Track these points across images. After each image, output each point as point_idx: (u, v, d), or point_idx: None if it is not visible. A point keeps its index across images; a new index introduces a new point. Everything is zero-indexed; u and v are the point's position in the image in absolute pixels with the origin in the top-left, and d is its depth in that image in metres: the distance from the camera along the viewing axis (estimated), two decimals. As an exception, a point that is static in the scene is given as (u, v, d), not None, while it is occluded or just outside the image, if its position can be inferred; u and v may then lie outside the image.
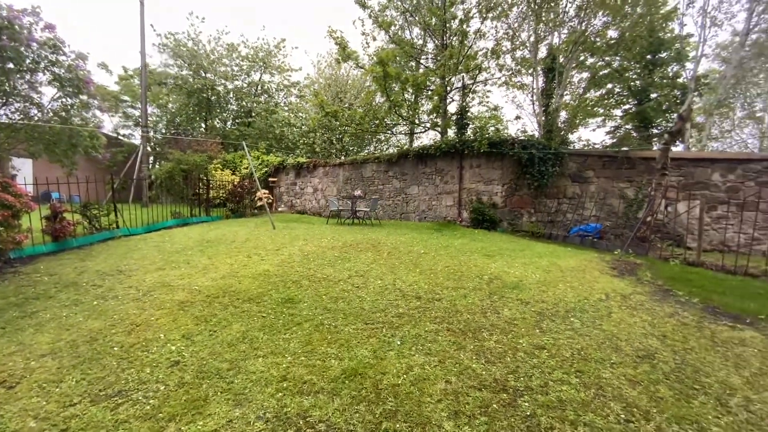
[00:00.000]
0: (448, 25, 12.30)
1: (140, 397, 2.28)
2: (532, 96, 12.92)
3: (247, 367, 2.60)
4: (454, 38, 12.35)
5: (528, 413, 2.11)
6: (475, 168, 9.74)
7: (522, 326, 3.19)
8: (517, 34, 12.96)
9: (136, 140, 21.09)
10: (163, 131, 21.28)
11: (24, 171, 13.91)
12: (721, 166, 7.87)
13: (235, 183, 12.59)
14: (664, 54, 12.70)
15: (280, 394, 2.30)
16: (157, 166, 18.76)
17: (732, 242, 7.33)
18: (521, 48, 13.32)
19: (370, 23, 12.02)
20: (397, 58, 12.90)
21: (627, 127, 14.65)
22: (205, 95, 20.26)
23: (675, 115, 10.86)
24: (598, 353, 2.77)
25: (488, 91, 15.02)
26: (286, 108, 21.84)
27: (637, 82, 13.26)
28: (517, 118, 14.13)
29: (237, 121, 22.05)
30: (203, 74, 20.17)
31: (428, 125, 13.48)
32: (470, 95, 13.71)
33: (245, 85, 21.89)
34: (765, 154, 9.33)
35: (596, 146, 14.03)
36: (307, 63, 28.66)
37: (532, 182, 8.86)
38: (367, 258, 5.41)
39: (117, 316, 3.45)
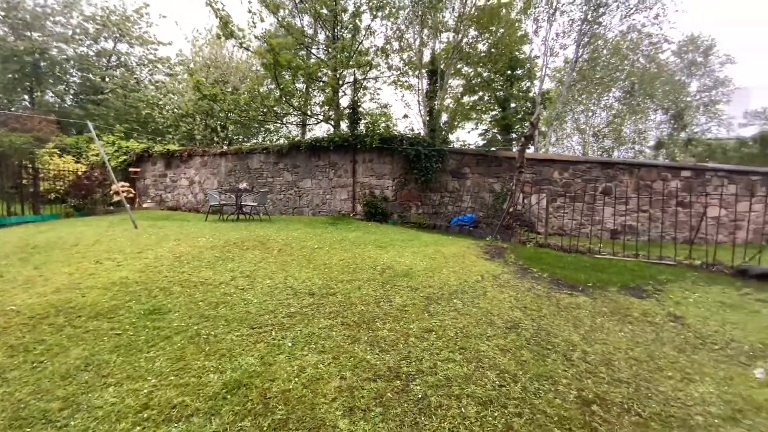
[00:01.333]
0: (339, 17, 12.19)
1: None
2: (418, 96, 13.85)
3: (91, 401, 2.05)
4: (346, 31, 12.33)
5: (420, 396, 2.18)
6: (367, 162, 9.93)
7: (413, 312, 3.33)
8: (404, 36, 13.68)
9: None
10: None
11: None
12: (559, 166, 9.76)
13: (80, 173, 10.15)
14: (520, 71, 15.12)
15: (139, 427, 1.87)
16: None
17: (567, 227, 9.20)
18: (408, 50, 14.12)
19: (257, 2, 11.03)
20: (288, 44, 12.21)
21: (494, 131, 17.02)
22: (29, 59, 15.73)
23: (528, 123, 13.09)
24: (477, 329, 3.07)
25: (378, 89, 15.54)
26: (152, 87, 18.57)
27: (501, 93, 15.49)
28: (405, 116, 15.01)
29: (81, 97, 17.80)
30: (29, 33, 15.61)
31: (321, 117, 13.20)
32: (362, 91, 13.94)
33: (92, 54, 17.80)
34: (587, 157, 11.98)
35: (471, 146, 15.93)
36: (180, 38, 24.77)
37: (419, 177, 9.49)
38: (254, 257, 4.96)
39: None
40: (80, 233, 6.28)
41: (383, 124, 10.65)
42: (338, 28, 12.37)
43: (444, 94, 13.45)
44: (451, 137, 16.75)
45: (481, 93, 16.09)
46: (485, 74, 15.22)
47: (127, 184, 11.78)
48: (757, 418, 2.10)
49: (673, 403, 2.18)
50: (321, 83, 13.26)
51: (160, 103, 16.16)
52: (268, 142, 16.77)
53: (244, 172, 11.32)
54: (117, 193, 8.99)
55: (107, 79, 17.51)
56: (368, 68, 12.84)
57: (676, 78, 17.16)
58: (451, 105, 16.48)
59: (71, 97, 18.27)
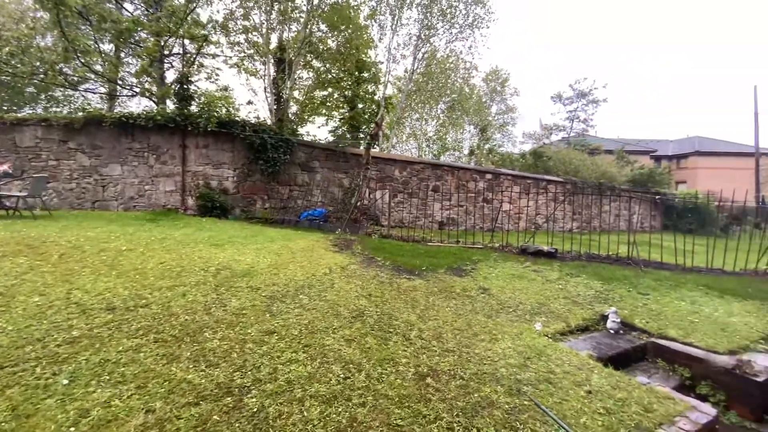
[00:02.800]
0: (162, -28, 10.09)
1: None
2: (264, 83, 12.89)
3: None
4: (173, -8, 10.30)
5: (255, 409, 1.88)
6: (202, 149, 8.57)
7: (252, 315, 2.94)
8: (250, 15, 12.48)
9: None
10: None
11: None
12: (399, 165, 10.78)
13: None
14: (366, 74, 15.99)
15: None
16: None
17: (406, 220, 10.24)
18: (254, 31, 12.95)
19: None
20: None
21: (344, 128, 17.50)
22: None
23: (373, 123, 13.99)
24: (323, 323, 2.94)
25: (218, 69, 13.70)
26: None
27: (349, 93, 16.04)
28: (250, 102, 13.66)
29: None
30: None
31: (137, 90, 10.68)
32: (197, 67, 12.00)
33: None
34: (421, 159, 13.67)
35: (322, 141, 15.92)
36: None
37: (266, 168, 8.80)
38: (15, 267, 3.51)
39: None
40: None
41: (223, 109, 9.39)
42: (162, -16, 10.23)
43: (293, 84, 12.94)
44: (302, 131, 16.36)
45: (331, 90, 16.25)
46: (335, 72, 15.44)
47: None
48: (539, 362, 2.69)
49: (486, 362, 2.57)
50: (138, 48, 10.73)
51: None
52: (52, 113, 12.48)
53: (7, 151, 8.06)
54: None
55: None
56: (204, 42, 11.12)
57: (483, 100, 21.55)
58: (301, 97, 16.07)
59: None
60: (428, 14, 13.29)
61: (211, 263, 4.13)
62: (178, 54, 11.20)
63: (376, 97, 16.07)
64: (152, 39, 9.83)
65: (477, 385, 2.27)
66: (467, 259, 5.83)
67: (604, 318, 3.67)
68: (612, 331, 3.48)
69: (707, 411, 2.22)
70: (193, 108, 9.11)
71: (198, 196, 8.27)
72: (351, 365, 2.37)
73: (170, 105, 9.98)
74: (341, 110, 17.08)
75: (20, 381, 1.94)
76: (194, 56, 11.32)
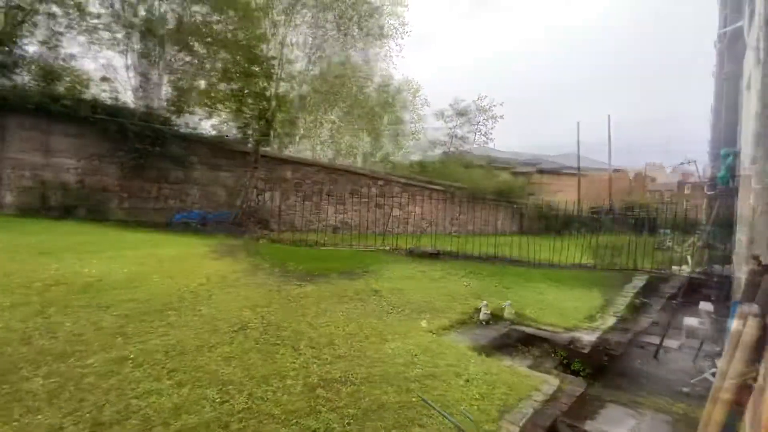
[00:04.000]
0: None
1: None
2: (126, 60, 10.83)
3: None
4: None
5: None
6: (30, 130, 6.68)
7: (95, 341, 2.35)
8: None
9: None
10: None
11: None
12: (292, 166, 10.35)
13: None
14: (257, 68, 14.97)
15: None
16: None
17: (298, 223, 9.86)
18: (113, -4, 10.76)
19: None
20: None
21: (230, 123, 15.99)
22: None
23: (263, 120, 13.12)
24: (197, 341, 2.54)
25: (60, 33, 10.92)
26: None
27: (238, 86, 14.77)
28: (105, 79, 11.23)
29: None
30: None
31: None
32: (29, 26, 9.33)
33: None
34: (315, 161, 13.41)
35: (204, 134, 14.19)
36: None
37: (127, 161, 7.36)
38: None
39: None
40: None
41: (67, 83, 7.50)
42: None
43: (166, 65, 11.21)
44: (179, 122, 14.33)
45: (215, 80, 14.68)
46: (221, 62, 14.01)
47: None
48: (425, 357, 2.83)
49: (377, 364, 2.58)
50: None
51: None
52: None
53: None
54: None
55: None
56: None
57: (375, 110, 22.45)
58: (181, 85, 14.06)
59: None
60: (321, 20, 13.21)
61: (37, 277, 3.19)
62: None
63: (267, 93, 15.19)
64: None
65: (368, 389, 2.25)
66: (360, 262, 5.90)
67: (478, 311, 4.13)
68: (484, 323, 3.93)
69: (553, 383, 2.67)
70: (19, 78, 7.04)
71: (22, 190, 6.39)
72: (230, 386, 2.09)
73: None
74: (227, 104, 15.60)
75: None
76: (23, 12, 8.79)
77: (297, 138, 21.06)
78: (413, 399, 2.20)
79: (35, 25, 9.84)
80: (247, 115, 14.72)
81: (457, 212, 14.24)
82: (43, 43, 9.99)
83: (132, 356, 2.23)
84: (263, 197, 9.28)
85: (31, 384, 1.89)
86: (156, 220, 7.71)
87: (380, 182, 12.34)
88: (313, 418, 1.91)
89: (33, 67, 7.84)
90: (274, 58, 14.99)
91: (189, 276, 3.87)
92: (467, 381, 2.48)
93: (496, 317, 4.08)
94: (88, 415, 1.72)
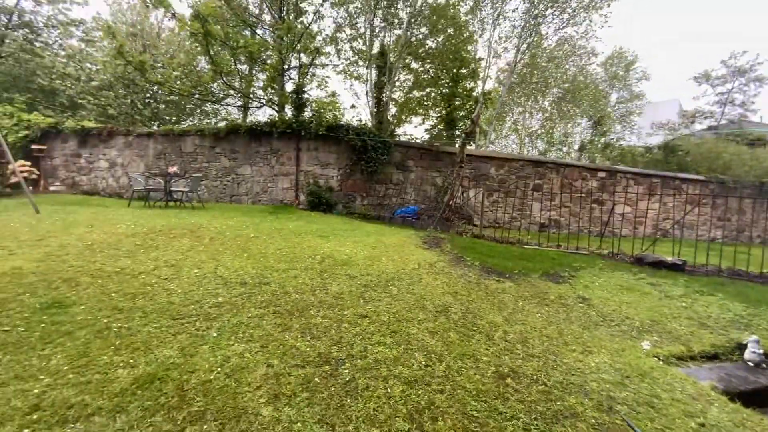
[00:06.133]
0: (285, -1, 11.64)
1: None
2: (366, 87, 13.77)
3: (-37, 406, 1.76)
4: (293, 14, 11.81)
5: (348, 379, 2.20)
6: (312, 151, 9.69)
7: (348, 299, 3.34)
8: (356, 24, 13.47)
9: None
10: None
11: None
12: (496, 163, 10.39)
13: (-34, 147, 8.55)
14: (465, 71, 15.71)
15: (27, 430, 1.65)
16: None
17: (501, 220, 9.85)
18: (359, 39, 13.95)
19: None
20: (227, 17, 11.38)
21: (440, 127, 17.55)
22: None
23: (469, 120, 13.71)
24: (409, 313, 3.17)
25: (327, 77, 15.21)
26: (63, 52, 16.19)
27: (447, 91, 15.99)
28: (353, 107, 14.88)
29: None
30: None
31: (263, 101, 12.56)
32: (309, 77, 13.51)
33: (-15, 8, 15.01)
34: (521, 155, 12.87)
35: (417, 140, 16.26)
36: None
37: (365, 168, 9.50)
38: (182, 245, 4.61)
39: None
40: (-37, 217, 5.35)
41: (330, 113, 10.44)
42: (285, 9, 11.81)
43: (392, 87, 13.54)
44: (399, 131, 16.99)
45: (428, 89, 16.45)
46: (432, 71, 15.59)
47: (29, 163, 10.23)
48: (642, 383, 2.44)
49: (574, 373, 2.45)
50: (265, 65, 12.60)
51: (70, 71, 14.18)
52: (205, 124, 15.57)
53: (176, 156, 10.42)
54: (14, 173, 7.75)
55: (6, 41, 14.90)
56: (316, 53, 12.47)
57: (600, 88, 19.04)
58: (399, 98, 16.68)
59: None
60: (535, 2, 12.33)
61: (317, 252, 4.75)
62: (295, 67, 12.76)
63: (474, 93, 15.68)
64: (275, 56, 11.44)
65: (561, 394, 2.21)
66: (567, 265, 5.40)
67: (741, 347, 3.05)
68: (751, 364, 2.88)
69: None
70: (307, 114, 10.35)
71: (308, 192, 9.40)
72: (433, 355, 2.54)
73: (288, 113, 11.50)
74: (438, 109, 17.14)
75: (187, 330, 2.63)
76: (308, 67, 12.77)
77: (504, 132, 20.68)
78: (617, 421, 2.01)
79: (314, 75, 14.07)
80: (455, 117, 15.78)
81: (728, 211, 10.38)
82: (318, 85, 14.11)
83: (368, 315, 3.06)
84: (467, 194, 9.79)
85: (316, 320, 2.94)
86: (382, 214, 9.57)
87: (601, 174, 10.56)
88: (501, 402, 2.09)
89: (313, 104, 11.27)
90: (481, 59, 15.34)
91: (405, 261, 4.73)
92: (701, 426, 2.00)
93: (775, 361, 2.94)
94: (344, 348, 2.55)
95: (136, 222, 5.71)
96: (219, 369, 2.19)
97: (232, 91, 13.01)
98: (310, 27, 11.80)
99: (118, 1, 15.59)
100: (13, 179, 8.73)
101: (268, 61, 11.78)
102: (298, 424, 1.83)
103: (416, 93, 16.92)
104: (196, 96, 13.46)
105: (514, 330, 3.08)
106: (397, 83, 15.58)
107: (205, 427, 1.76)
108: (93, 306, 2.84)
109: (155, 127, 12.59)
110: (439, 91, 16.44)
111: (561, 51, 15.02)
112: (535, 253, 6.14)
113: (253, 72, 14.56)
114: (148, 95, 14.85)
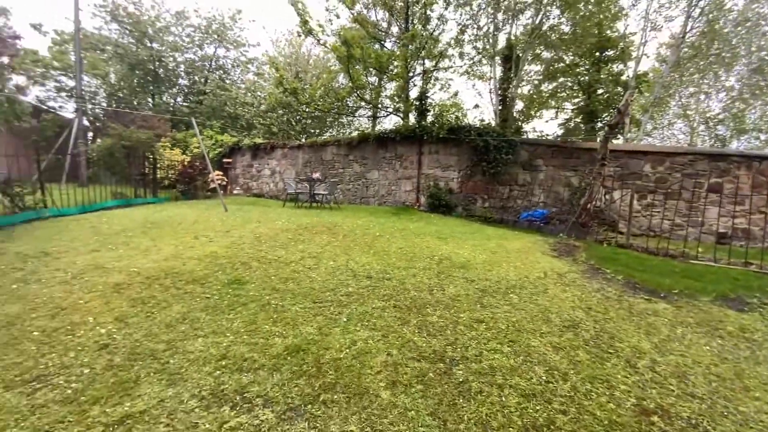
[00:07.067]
0: (411, 9, 12.21)
1: (61, 382, 2.14)
2: (490, 85, 13.27)
3: (185, 347, 2.51)
4: (418, 23, 12.31)
5: (461, 380, 2.24)
6: (433, 154, 9.90)
7: (465, 302, 3.35)
8: (478, 22, 13.16)
9: (70, 114, 18.94)
10: (104, 104, 19.37)
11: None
12: (652, 158, 8.60)
13: (186, 163, 11.87)
14: (611, 52, 13.51)
15: (219, 372, 2.26)
16: (98, 142, 17.10)
17: (658, 227, 8.11)
18: (483, 39, 13.56)
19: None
20: (361, 37, 12.63)
21: (577, 120, 15.54)
22: (151, 67, 18.68)
23: (614, 110, 11.70)
24: (531, 325, 2.98)
25: (450, 79, 15.25)
26: (243, 86, 20.68)
27: (586, 78, 14.04)
28: (476, 106, 14.52)
29: (190, 98, 20.61)
30: (148, 43, 18.52)
31: (390, 110, 13.44)
32: (432, 81, 13.82)
33: (197, 59, 20.43)
34: (690, 148, 10.33)
35: (549, 137, 14.79)
36: (266, 39, 27.10)
37: (487, 169, 9.18)
38: (322, 240, 5.37)
39: (39, 299, 3.18)
40: (184, 214, 7.42)
41: (452, 115, 10.47)
42: (411, 19, 12.40)
43: (519, 81, 12.67)
44: (526, 127, 15.78)
45: (562, 79, 14.76)
46: (567, 58, 13.92)
47: (221, 173, 13.43)
48: None
49: (753, 425, 1.91)
50: (392, 75, 13.48)
51: (248, 100, 17.97)
52: (341, 134, 17.65)
53: (318, 163, 12.12)
54: (213, 180, 10.36)
55: (208, 81, 19.96)
56: (440, 58, 12.68)
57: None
58: (527, 93, 15.49)
59: (181, 97, 21.28)
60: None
61: (435, 253, 4.88)
62: (419, 74, 13.24)
63: (623, 78, 13.33)
64: (401, 65, 12.11)
65: (733, 450, 1.76)
66: (758, 289, 4.13)
67: None
68: None
69: None
70: (429, 119, 10.64)
71: (428, 195, 9.65)
72: (556, 372, 2.35)
73: (412, 119, 12.03)
74: (574, 100, 15.22)
75: (323, 313, 3.09)
76: (431, 72, 13.08)
77: (666, 121, 16.96)
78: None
79: (436, 79, 14.28)
80: (596, 108, 13.72)
81: None
82: (441, 88, 14.26)
83: (484, 320, 3.01)
84: (611, 196, 8.42)
85: (432, 318, 3.05)
86: (504, 217, 9.08)
87: (828, 168, 7.63)
88: (642, 440, 1.80)
89: (435, 108, 11.47)
90: (632, 34, 12.93)
91: (529, 268, 4.42)
92: None
93: None
94: (458, 349, 2.58)
95: (289, 219, 6.91)
96: (347, 350, 2.52)
97: (363, 103, 14.34)
98: (433, 33, 12.08)
99: (279, 39, 19.07)
100: (212, 185, 11.64)
101: (395, 71, 12.56)
102: (412, 412, 1.97)
103: (547, 85, 15.41)
104: (334, 110, 15.34)
105: (668, 361, 2.57)
106: (525, 77, 14.49)
107: (335, 397, 2.07)
108: (259, 285, 3.61)
109: (303, 140, 14.91)
110: (576, 80, 14.57)
111: (754, 10, 11.42)
112: (707, 271, 4.88)
113: (382, 83, 15.72)
114: (298, 114, 17.67)
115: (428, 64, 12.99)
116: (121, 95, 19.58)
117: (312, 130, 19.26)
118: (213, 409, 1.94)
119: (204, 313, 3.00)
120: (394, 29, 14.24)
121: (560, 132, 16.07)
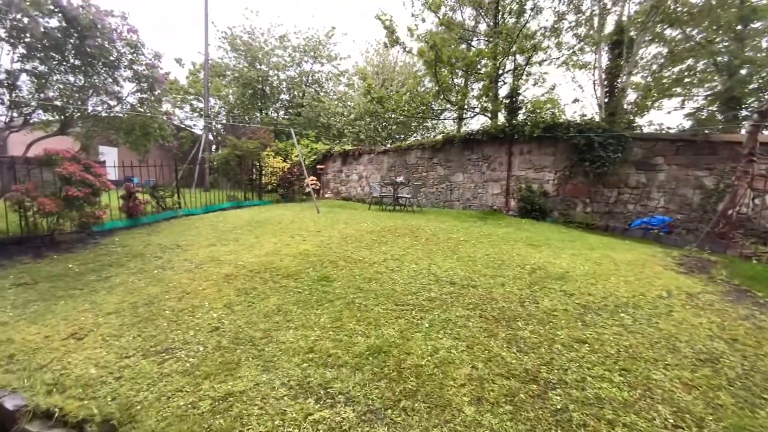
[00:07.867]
0: (501, 2, 11.60)
1: (183, 355, 2.49)
2: (593, 76, 11.80)
3: (278, 337, 2.72)
4: (508, 17, 11.61)
5: (559, 407, 1.97)
6: (525, 154, 9.18)
7: (562, 318, 2.97)
8: (578, 7, 11.85)
9: (200, 131, 22.69)
10: (224, 121, 22.74)
11: (110, 158, 15.72)
12: (832, 151, 6.59)
13: (285, 170, 13.15)
14: (758, 24, 10.83)
15: (306, 364, 2.37)
16: (219, 152, 20.16)
17: (840, 242, 6.16)
18: (585, 24, 12.16)
19: (419, 4, 11.70)
20: (447, 38, 12.45)
21: (711, 108, 12.84)
22: (259, 86, 21.27)
23: (767, 93, 9.29)
24: (650, 352, 2.49)
25: (545, 73, 13.98)
26: (335, 97, 22.19)
27: (725, 57, 11.48)
28: (575, 101, 13.05)
29: (290, 111, 22.91)
30: (258, 66, 21.14)
31: (477, 110, 12.93)
32: (524, 77, 12.87)
33: (296, 75, 22.59)
34: None
35: (670, 130, 12.53)
36: (356, 51, 28.68)
37: (590, 170, 8.15)
38: (405, 243, 5.37)
39: (171, 284, 3.80)
40: (282, 215, 8.20)
41: (548, 112, 9.56)
42: (500, 14, 11.77)
43: (632, 68, 11.00)
44: (640, 120, 13.59)
45: (690, 61, 12.34)
46: (698, 35, 11.59)
47: (315, 178, 14.55)
48: None
49: None
50: (479, 73, 12.96)
51: (338, 110, 19.20)
52: (425, 138, 17.67)
53: (402, 167, 12.28)
54: (308, 185, 11.28)
55: (305, 95, 21.93)
56: (533, 52, 11.73)
57: None
58: (643, 80, 13.36)
59: (282, 111, 23.81)
60: None
61: (527, 262, 4.47)
62: (510, 70, 12.46)
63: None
64: (489, 63, 11.55)
65: None
66: None
67: None
68: None
69: None
70: (520, 117, 9.92)
71: (519, 198, 8.97)
72: (687, 415, 1.90)
73: (501, 118, 11.37)
74: (709, 83, 12.61)
75: (405, 316, 3.05)
76: (523, 68, 12.19)
77: None
78: None
79: (529, 74, 13.24)
80: (739, 93, 11.10)
81: None
82: (534, 84, 13.20)
83: (588, 341, 2.62)
84: (762, 200, 6.72)
85: (523, 333, 2.77)
86: (611, 224, 7.93)
87: None
88: None
89: (528, 105, 10.64)
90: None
91: (646, 285, 3.74)
92: None
93: None
94: (555, 371, 2.28)
95: (373, 221, 7.10)
96: (429, 358, 2.43)
97: (449, 105, 14.08)
98: (526, 25, 11.24)
99: (368, 49, 20.00)
100: (307, 189, 12.68)
101: (482, 70, 12.04)
102: (500, 435, 1.78)
103: (670, 69, 13.07)
104: (419, 115, 15.40)
105: None
106: (639, 62, 12.53)
107: (416, 405, 1.99)
108: (345, 284, 3.74)
109: (388, 145, 15.31)
110: (711, 60, 12.04)
111: None
112: None
113: (468, 83, 15.25)
114: (384, 120, 18.21)
115: (519, 59, 12.14)
116: (236, 112, 22.75)
117: (397, 136, 19.65)
118: (299, 400, 2.04)
119: (296, 306, 3.22)
120: (482, 26, 13.67)
121: (687, 124, 13.48)
